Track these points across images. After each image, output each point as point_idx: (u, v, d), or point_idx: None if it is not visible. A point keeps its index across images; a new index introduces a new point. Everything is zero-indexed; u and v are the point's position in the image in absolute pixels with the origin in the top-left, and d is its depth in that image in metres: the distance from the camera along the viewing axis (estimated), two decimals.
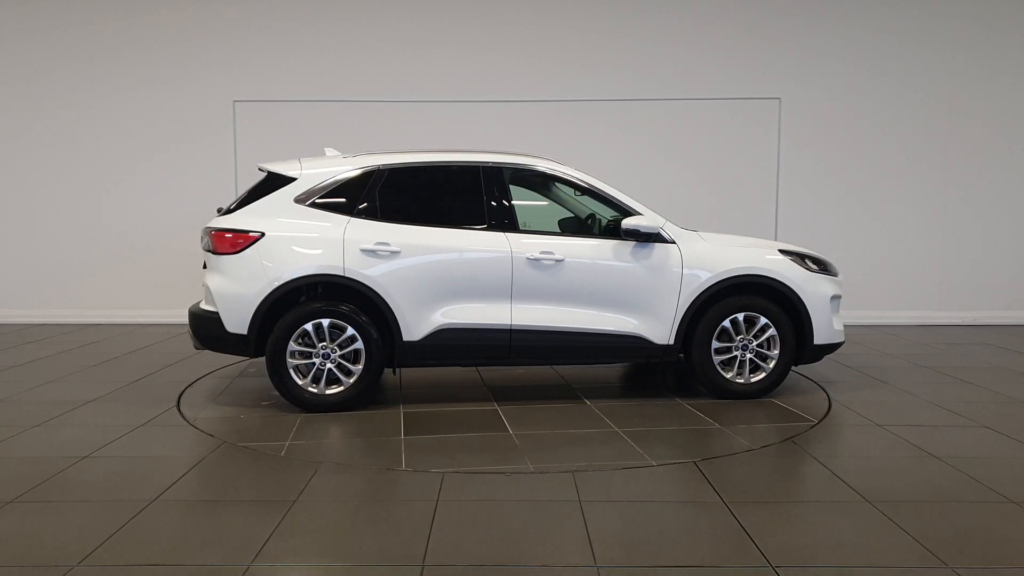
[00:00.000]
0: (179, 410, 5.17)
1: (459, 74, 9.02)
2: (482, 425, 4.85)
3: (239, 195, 5.54)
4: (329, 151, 5.69)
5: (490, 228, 5.24)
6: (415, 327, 5.10)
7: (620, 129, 9.06)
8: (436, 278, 5.10)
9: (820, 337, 5.48)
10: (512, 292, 5.18)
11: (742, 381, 5.42)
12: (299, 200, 5.15)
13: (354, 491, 3.74)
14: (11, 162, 9.07)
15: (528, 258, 5.17)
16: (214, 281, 5.10)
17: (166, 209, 9.04)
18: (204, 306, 5.25)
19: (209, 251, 5.15)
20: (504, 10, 9.02)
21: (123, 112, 9.03)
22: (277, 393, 5.11)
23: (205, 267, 5.34)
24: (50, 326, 8.70)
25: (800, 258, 5.58)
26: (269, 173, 5.33)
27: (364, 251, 5.03)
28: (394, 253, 5.05)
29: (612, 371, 6.48)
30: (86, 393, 5.59)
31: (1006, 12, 8.99)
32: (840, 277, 5.79)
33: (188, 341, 6.46)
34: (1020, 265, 9.19)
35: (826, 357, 5.83)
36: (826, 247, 9.10)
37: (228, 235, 5.07)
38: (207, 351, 5.38)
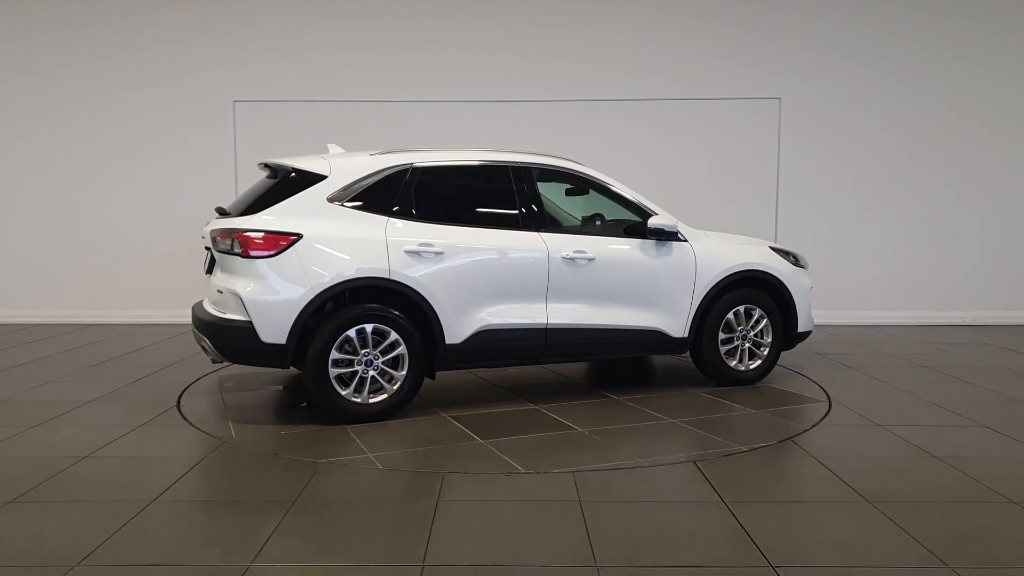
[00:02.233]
0: (179, 410, 5.16)
1: (459, 74, 9.02)
2: (545, 425, 4.84)
3: (246, 193, 5.26)
4: (333, 147, 5.57)
5: (523, 228, 5.24)
6: (457, 330, 4.97)
7: (620, 129, 9.06)
8: (478, 279, 5.02)
9: (802, 326, 6.00)
10: (548, 291, 5.22)
11: (743, 368, 5.82)
12: (333, 199, 4.86)
13: (354, 491, 3.74)
14: (11, 162, 9.07)
15: (563, 257, 5.23)
16: (245, 287, 4.66)
17: (166, 209, 9.03)
18: (226, 315, 4.76)
19: (235, 254, 4.71)
20: (504, 10, 9.01)
21: (123, 112, 9.03)
22: (282, 405, 5.09)
23: (212, 271, 5.07)
24: (50, 326, 8.70)
25: (785, 254, 6.08)
26: (294, 170, 5.00)
27: (408, 252, 4.84)
28: (438, 254, 4.91)
29: (595, 366, 6.58)
30: (86, 393, 5.59)
31: (1006, 12, 8.99)
32: (809, 269, 6.30)
33: (188, 341, 6.44)
34: (1020, 265, 9.19)
35: (827, 358, 6.06)
36: (826, 247, 9.16)
37: (263, 236, 4.66)
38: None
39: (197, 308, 5.24)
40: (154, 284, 8.98)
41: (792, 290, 5.88)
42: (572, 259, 5.24)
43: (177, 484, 3.77)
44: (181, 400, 5.41)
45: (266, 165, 5.27)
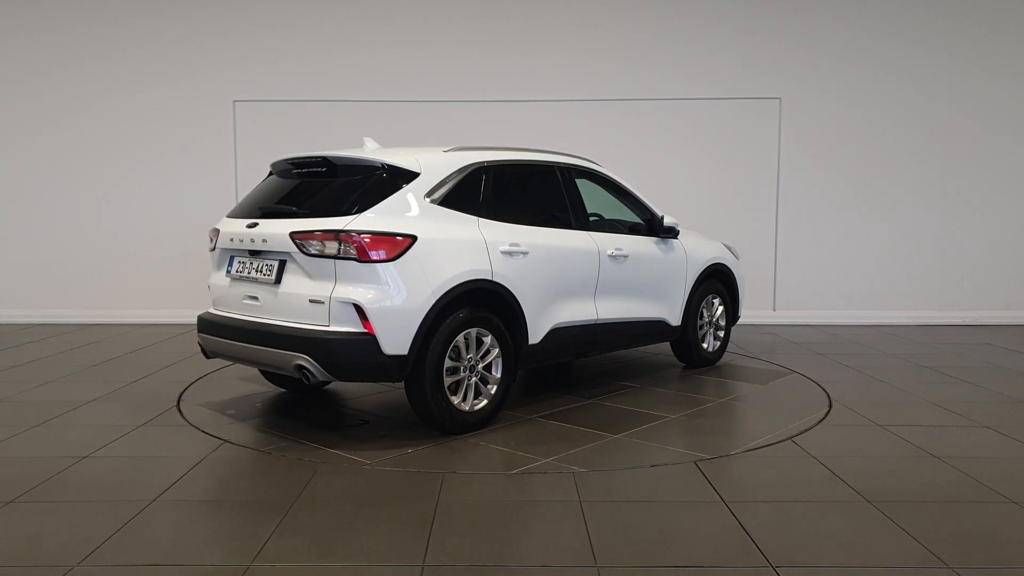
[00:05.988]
0: (179, 410, 5.16)
1: (459, 74, 9.02)
2: (635, 416, 4.98)
3: (306, 191, 4.75)
4: (369, 141, 5.15)
5: (576, 227, 5.35)
6: (537, 329, 4.91)
7: (621, 128, 9.06)
8: (554, 278, 5.02)
9: (740, 311, 6.81)
10: (597, 288, 5.38)
11: (711, 351, 6.53)
12: (431, 198, 4.56)
13: (354, 491, 3.74)
14: (11, 162, 9.07)
15: (609, 255, 5.45)
16: (365, 295, 4.17)
17: (166, 209, 9.04)
18: (331, 327, 4.19)
19: (344, 258, 4.18)
20: (505, 10, 9.02)
21: (123, 112, 9.03)
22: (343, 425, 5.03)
23: (280, 280, 4.43)
24: (50, 326, 8.70)
25: (729, 248, 6.75)
26: (386, 166, 4.54)
27: (503, 253, 4.70)
28: (524, 255, 4.82)
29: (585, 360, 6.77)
30: (86, 393, 5.59)
31: (1006, 12, 9.00)
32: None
33: (188, 341, 6.43)
34: (1020, 265, 9.19)
35: (827, 358, 6.32)
36: (826, 247, 9.16)
37: (384, 239, 4.22)
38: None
39: (248, 323, 4.55)
40: (154, 284, 8.98)
41: (738, 279, 6.68)
42: (615, 256, 5.49)
43: (177, 484, 3.77)
44: (181, 400, 5.42)
45: (324, 159, 4.69)
